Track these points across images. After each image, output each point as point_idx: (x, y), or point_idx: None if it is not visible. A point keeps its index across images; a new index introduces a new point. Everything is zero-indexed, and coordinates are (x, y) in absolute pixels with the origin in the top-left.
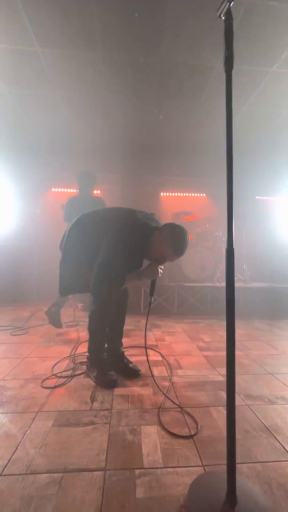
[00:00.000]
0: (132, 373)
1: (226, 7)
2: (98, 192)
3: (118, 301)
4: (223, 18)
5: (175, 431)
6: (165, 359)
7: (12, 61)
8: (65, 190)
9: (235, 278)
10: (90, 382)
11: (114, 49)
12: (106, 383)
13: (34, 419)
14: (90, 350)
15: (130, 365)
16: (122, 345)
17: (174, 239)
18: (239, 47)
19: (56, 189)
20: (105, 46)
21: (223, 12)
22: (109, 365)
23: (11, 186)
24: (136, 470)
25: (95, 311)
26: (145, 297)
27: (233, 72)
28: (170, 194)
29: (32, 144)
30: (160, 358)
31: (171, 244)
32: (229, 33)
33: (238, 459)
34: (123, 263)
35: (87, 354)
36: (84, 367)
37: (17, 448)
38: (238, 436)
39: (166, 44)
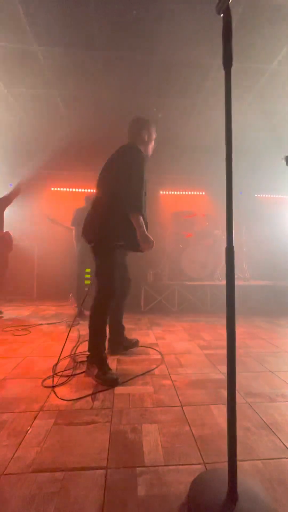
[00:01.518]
0: (131, 345)
1: (225, 4)
2: None
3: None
4: (221, 15)
5: (176, 428)
6: (164, 357)
7: (10, 60)
8: (65, 189)
9: (235, 276)
10: (91, 381)
11: (112, 47)
12: (107, 381)
13: (35, 418)
14: (90, 348)
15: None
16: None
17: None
18: (238, 44)
19: (56, 189)
20: (103, 44)
21: (222, 9)
22: (110, 340)
23: (10, 184)
24: (137, 468)
25: (96, 306)
26: (145, 296)
27: (232, 69)
28: (169, 192)
29: (30, 143)
30: (160, 356)
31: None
32: (227, 30)
33: (239, 456)
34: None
35: (87, 353)
36: (85, 366)
37: (18, 447)
38: (239, 433)
39: (165, 41)
